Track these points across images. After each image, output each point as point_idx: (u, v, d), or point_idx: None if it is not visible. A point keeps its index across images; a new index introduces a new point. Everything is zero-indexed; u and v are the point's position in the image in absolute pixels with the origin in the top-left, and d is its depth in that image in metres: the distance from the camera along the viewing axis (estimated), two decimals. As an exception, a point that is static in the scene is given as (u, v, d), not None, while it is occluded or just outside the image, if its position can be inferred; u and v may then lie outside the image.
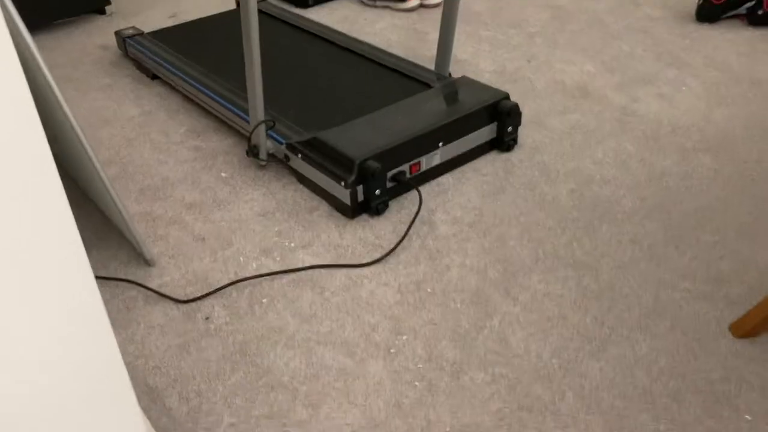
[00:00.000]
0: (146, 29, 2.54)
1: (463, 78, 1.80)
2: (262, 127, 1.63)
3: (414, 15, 2.53)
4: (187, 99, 2.05)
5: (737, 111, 1.84)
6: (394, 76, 1.91)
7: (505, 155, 1.72)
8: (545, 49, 2.23)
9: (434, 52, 2.25)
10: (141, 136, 1.88)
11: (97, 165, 1.26)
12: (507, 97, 1.70)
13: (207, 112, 1.97)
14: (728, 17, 2.33)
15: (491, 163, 1.69)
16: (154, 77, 2.18)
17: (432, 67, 2.11)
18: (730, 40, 2.20)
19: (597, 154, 1.70)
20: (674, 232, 1.43)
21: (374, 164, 1.48)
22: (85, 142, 1.23)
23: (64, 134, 1.28)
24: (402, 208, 1.56)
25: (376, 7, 2.61)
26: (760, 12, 2.24)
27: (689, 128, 1.78)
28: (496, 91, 1.72)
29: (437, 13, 2.53)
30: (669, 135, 1.75)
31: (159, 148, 1.83)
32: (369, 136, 1.57)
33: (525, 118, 1.86)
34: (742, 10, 2.29)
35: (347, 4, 2.65)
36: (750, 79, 1.98)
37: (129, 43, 2.22)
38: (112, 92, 2.12)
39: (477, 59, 2.19)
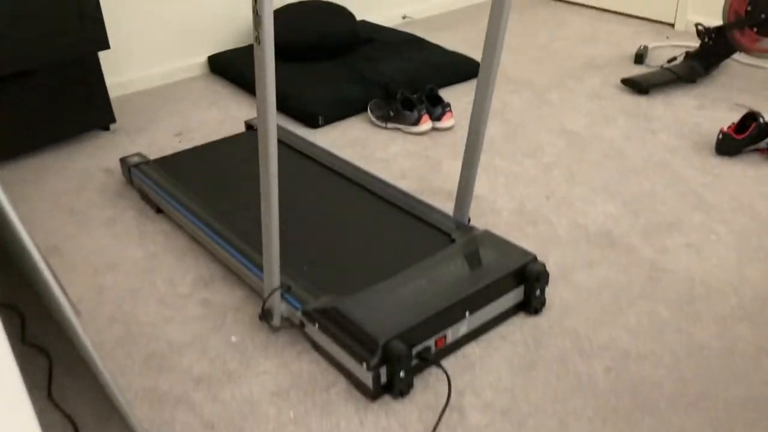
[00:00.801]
0: (151, 148, 2.47)
1: (486, 234, 1.72)
2: (277, 293, 1.53)
3: (426, 139, 2.48)
4: (194, 239, 1.96)
5: (771, 267, 1.77)
6: (412, 223, 1.83)
7: (533, 319, 1.62)
8: (563, 184, 2.17)
9: (449, 184, 2.19)
10: (146, 286, 1.78)
11: (94, 358, 1.15)
12: (534, 258, 1.62)
13: (215, 256, 1.88)
14: (750, 150, 2.28)
15: (519, 328, 1.60)
16: (159, 210, 2.10)
17: (449, 203, 2.05)
18: (754, 178, 2.15)
19: (630, 319, 1.61)
20: (723, 428, 1.33)
21: (399, 345, 1.38)
22: (79, 333, 1.12)
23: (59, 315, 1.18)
24: (427, 386, 1.45)
25: (387, 128, 2.56)
26: (782, 149, 2.20)
27: (724, 289, 1.70)
28: (523, 252, 1.64)
29: (449, 137, 2.48)
30: (703, 298, 1.67)
31: (165, 301, 1.72)
32: (392, 308, 1.47)
33: (551, 271, 1.78)
34: (763, 144, 2.25)
35: (358, 125, 2.60)
36: (780, 228, 1.91)
37: (134, 173, 2.15)
38: (115, 228, 2.02)
39: (494, 195, 2.12)
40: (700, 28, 2.73)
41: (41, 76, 2.31)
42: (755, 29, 2.54)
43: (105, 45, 2.35)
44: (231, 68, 3.00)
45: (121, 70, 2.91)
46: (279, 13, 3.08)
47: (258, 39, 1.19)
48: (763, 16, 2.50)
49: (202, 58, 3.12)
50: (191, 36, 3.05)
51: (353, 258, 1.72)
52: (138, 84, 2.96)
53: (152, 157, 2.40)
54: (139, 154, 2.23)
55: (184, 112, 2.76)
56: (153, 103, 2.84)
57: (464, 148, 1.74)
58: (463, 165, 1.76)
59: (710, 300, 1.67)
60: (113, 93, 2.89)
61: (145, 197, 2.14)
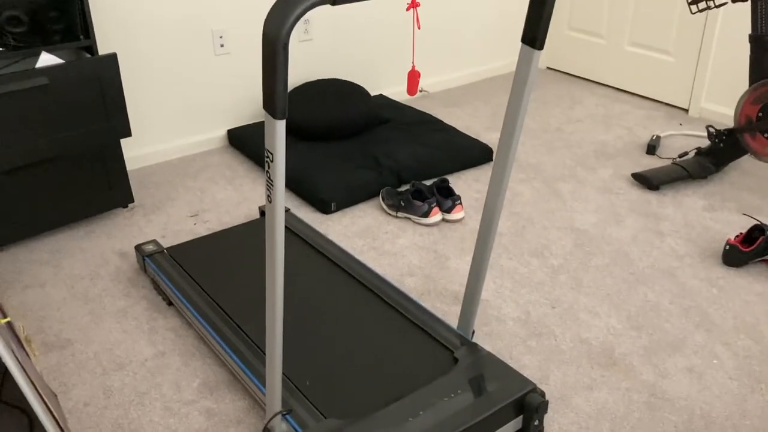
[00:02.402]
0: (166, 229, 2.53)
1: (489, 357, 1.74)
2: (278, 417, 1.56)
3: (435, 231, 2.52)
4: (202, 339, 2.00)
5: (771, 400, 1.77)
6: (418, 337, 1.86)
7: (530, 449, 1.64)
8: (569, 292, 2.19)
9: (456, 284, 2.22)
10: (152, 389, 1.82)
11: None
12: (534, 388, 1.64)
13: (222, 360, 1.91)
14: (756, 262, 2.30)
15: (516, 459, 1.62)
16: (170, 303, 2.14)
17: (454, 306, 2.08)
18: (760, 294, 2.16)
19: (627, 454, 1.63)
20: None
21: (395, 485, 1.40)
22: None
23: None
24: None
25: (397, 217, 2.60)
26: (788, 265, 2.21)
27: (723, 423, 1.70)
28: (524, 381, 1.66)
29: (458, 230, 2.52)
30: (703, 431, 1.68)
31: (170, 408, 1.76)
32: (391, 442, 1.50)
33: (551, 392, 1.80)
34: (769, 256, 2.26)
35: (370, 211, 2.64)
36: (782, 355, 1.92)
37: (147, 262, 2.20)
38: (126, 321, 2.07)
39: (499, 300, 2.15)
40: (711, 130, 2.77)
41: (63, 160, 2.38)
42: (766, 135, 2.57)
43: (127, 133, 2.42)
44: (249, 143, 3.06)
45: (141, 143, 2.98)
46: (296, 93, 3.15)
47: (269, 198, 1.24)
48: (774, 123, 2.53)
49: (222, 132, 3.19)
50: (211, 110, 3.13)
51: (356, 376, 1.75)
52: (157, 156, 3.04)
53: (167, 240, 2.45)
54: (154, 242, 2.28)
55: (200, 189, 2.82)
56: (171, 179, 2.91)
57: (473, 248, 1.77)
58: (470, 273, 1.78)
59: (709, 436, 1.68)
60: (131, 165, 2.96)
61: (157, 288, 2.19)
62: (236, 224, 2.47)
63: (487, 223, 1.69)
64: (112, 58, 2.31)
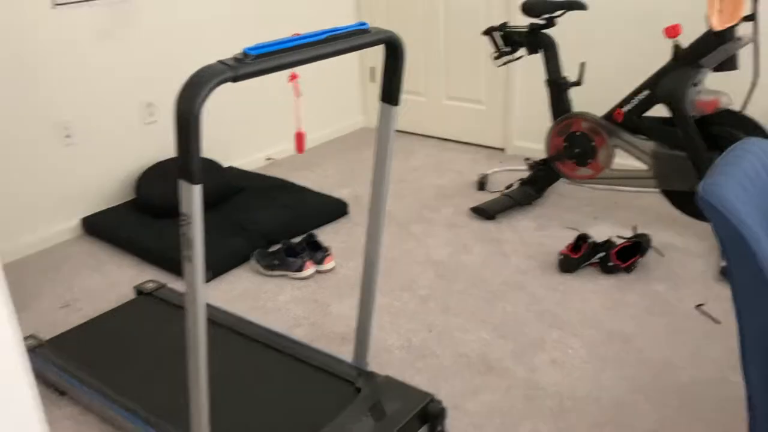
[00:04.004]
0: (39, 324, 2.47)
1: (387, 380, 1.94)
2: (209, 470, 1.64)
3: (312, 283, 2.69)
4: (107, 421, 2.00)
5: (619, 373, 2.12)
6: (319, 376, 2.01)
7: (438, 453, 1.84)
8: (440, 316, 2.45)
9: (341, 326, 2.40)
10: (64, 478, 1.80)
11: None
12: (433, 399, 1.85)
13: (131, 435, 1.93)
14: (585, 266, 2.71)
15: (428, 464, 1.80)
16: (62, 393, 2.11)
17: (344, 347, 2.25)
18: (593, 291, 2.56)
19: (518, 440, 1.88)
20: None
21: (332, 504, 1.54)
22: None
23: None
24: None
25: (273, 276, 2.74)
26: (610, 264, 2.64)
27: (586, 399, 2.02)
28: (422, 394, 1.87)
29: (332, 278, 2.71)
30: (573, 410, 1.98)
31: (87, 492, 1.75)
32: (319, 468, 1.63)
33: (444, 402, 2.01)
34: (595, 259, 2.68)
35: (245, 275, 2.76)
36: (620, 336, 2.30)
37: (30, 357, 2.16)
38: (18, 419, 2.01)
39: (383, 334, 2.36)
40: (529, 162, 3.23)
41: None
42: (573, 160, 3.06)
43: (-12, 231, 2.37)
44: (107, 229, 3.07)
45: (-8, 243, 2.89)
46: (148, 174, 3.22)
47: (189, 257, 1.37)
48: (577, 150, 3.02)
49: (76, 220, 3.16)
50: (62, 199, 3.10)
51: (270, 423, 1.86)
52: (10, 254, 2.94)
53: (43, 334, 2.40)
54: (32, 336, 2.24)
55: (65, 280, 2.78)
56: (30, 274, 2.83)
57: (354, 289, 1.97)
58: (360, 311, 1.96)
59: (578, 411, 1.98)
60: (-15, 267, 2.85)
61: (44, 382, 2.15)
62: (112, 308, 2.47)
63: (369, 262, 1.90)
64: (-34, 158, 2.28)
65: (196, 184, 1.29)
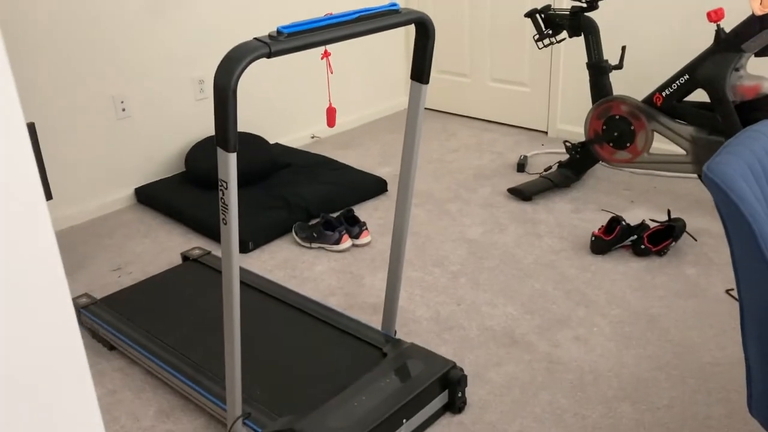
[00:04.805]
0: (92, 285, 2.65)
1: (412, 347, 2.03)
2: (239, 421, 1.77)
3: (348, 256, 2.80)
4: (150, 373, 2.15)
5: (642, 352, 2.17)
6: (349, 341, 2.12)
7: (457, 417, 1.93)
8: (470, 291, 2.53)
9: (373, 298, 2.50)
10: (111, 423, 1.95)
11: None
12: (454, 365, 1.94)
13: (172, 387, 2.08)
14: (617, 248, 2.74)
15: (447, 428, 1.90)
16: (111, 348, 2.28)
17: (375, 316, 2.36)
18: (623, 273, 2.59)
19: (536, 409, 1.95)
20: (616, 495, 1.66)
21: (352, 456, 1.65)
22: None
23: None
24: (377, 488, 1.71)
25: (312, 248, 2.86)
26: (642, 246, 2.66)
27: (607, 375, 2.08)
28: (444, 360, 1.95)
29: (368, 252, 2.81)
30: (592, 384, 2.04)
31: (132, 436, 1.91)
32: (343, 424, 1.74)
33: (467, 371, 2.10)
34: (628, 242, 2.71)
35: (285, 246, 2.89)
36: (646, 317, 2.33)
37: (84, 314, 2.33)
38: (72, 369, 2.18)
39: (413, 306, 2.45)
40: (567, 144, 3.25)
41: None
42: (611, 144, 3.07)
43: (49, 196, 2.55)
44: (158, 199, 3.23)
45: (52, 208, 3.08)
46: (199, 147, 3.37)
47: (225, 220, 1.48)
48: (615, 133, 3.04)
49: (130, 191, 3.34)
50: (117, 170, 3.28)
51: (300, 379, 1.98)
52: (69, 220, 3.14)
53: (96, 294, 2.58)
54: (86, 295, 2.41)
55: (118, 245, 2.96)
56: (86, 239, 3.02)
57: (387, 263, 2.06)
58: (387, 283, 2.07)
59: (597, 386, 2.03)
60: (45, 230, 3.04)
61: (96, 336, 2.32)
62: (160, 272, 2.63)
63: (397, 236, 1.99)
64: (31, 128, 2.45)
65: (232, 152, 1.39)
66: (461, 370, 1.93)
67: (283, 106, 3.89)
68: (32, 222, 0.67)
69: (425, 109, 4.58)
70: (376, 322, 2.36)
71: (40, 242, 0.68)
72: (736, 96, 2.69)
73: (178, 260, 2.80)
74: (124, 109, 3.23)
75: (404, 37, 4.46)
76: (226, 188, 1.44)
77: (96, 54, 3.09)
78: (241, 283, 2.47)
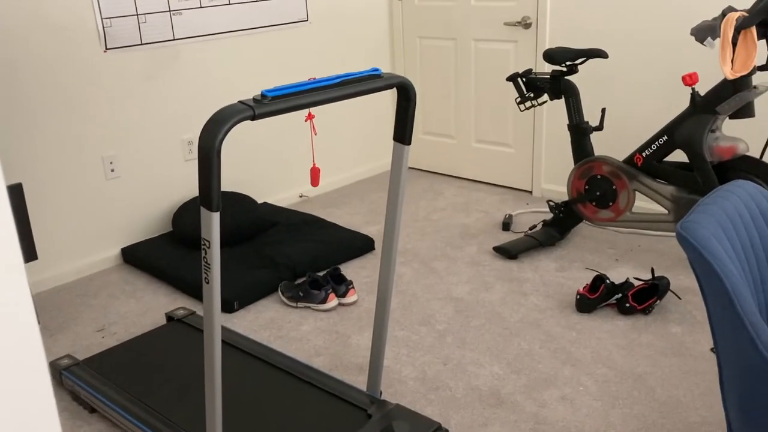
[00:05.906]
0: (75, 346, 2.62)
1: (397, 408, 2.01)
2: (221, 485, 1.73)
3: (334, 315, 2.79)
4: (131, 436, 2.11)
5: (628, 411, 2.15)
6: (333, 402, 2.10)
7: (443, 480, 1.90)
8: (456, 350, 2.52)
9: (360, 358, 2.48)
10: (89, 489, 1.91)
11: None
12: (440, 426, 1.92)
13: (153, 451, 2.04)
14: (603, 307, 2.75)
15: (432, 491, 1.86)
16: (92, 410, 2.24)
17: (361, 377, 2.33)
18: (609, 332, 2.60)
19: (523, 471, 1.92)
20: None
21: None
22: None
23: None
24: None
25: (298, 307, 2.85)
26: (627, 305, 2.68)
27: (594, 435, 2.06)
28: (429, 422, 1.94)
29: (354, 311, 2.81)
30: (579, 444, 2.02)
31: (109, 502, 1.86)
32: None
33: (453, 434, 2.08)
34: (613, 300, 2.73)
35: (271, 305, 2.88)
36: (632, 375, 2.33)
37: (65, 375, 2.30)
38: (50, 432, 2.14)
39: (398, 365, 2.44)
40: (551, 203, 3.30)
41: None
42: (594, 203, 3.12)
43: (34, 257, 2.55)
44: (144, 259, 3.23)
45: (37, 269, 3.07)
46: (186, 207, 3.39)
47: (207, 279, 1.49)
48: (598, 193, 3.09)
49: (116, 250, 3.34)
50: (104, 230, 3.29)
51: (283, 441, 1.95)
52: (54, 280, 3.13)
53: (78, 355, 2.55)
54: (68, 356, 2.38)
55: (103, 306, 2.94)
56: (71, 299, 3.00)
57: (372, 324, 2.06)
58: (372, 343, 2.07)
59: (584, 446, 2.01)
60: (31, 291, 3.03)
61: (77, 399, 2.28)
62: (144, 332, 2.61)
63: (382, 296, 2.00)
64: (18, 188, 2.47)
65: (215, 211, 1.41)
66: (447, 431, 1.91)
67: (272, 166, 3.94)
68: (8, 286, 0.67)
69: (412, 168, 4.65)
70: (362, 382, 2.34)
71: (16, 306, 0.69)
72: (714, 156, 2.76)
73: (163, 320, 2.78)
74: (113, 170, 3.26)
75: (391, 99, 4.56)
76: (209, 247, 1.46)
77: (87, 115, 3.14)
78: (225, 343, 2.45)
